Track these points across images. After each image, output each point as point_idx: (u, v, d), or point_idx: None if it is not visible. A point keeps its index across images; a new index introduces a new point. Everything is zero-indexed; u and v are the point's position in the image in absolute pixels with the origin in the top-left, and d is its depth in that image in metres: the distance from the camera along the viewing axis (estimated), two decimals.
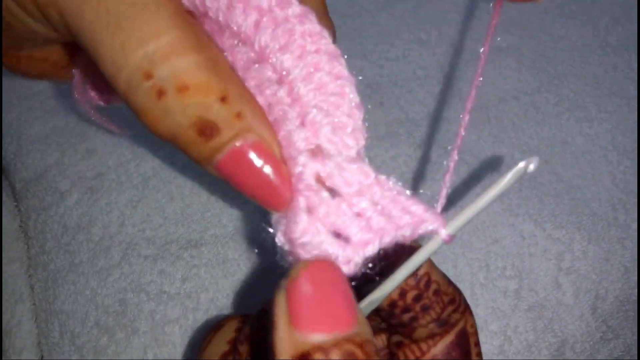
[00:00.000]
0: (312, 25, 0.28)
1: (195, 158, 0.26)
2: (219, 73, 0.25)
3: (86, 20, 0.24)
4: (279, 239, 0.27)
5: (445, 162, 0.60)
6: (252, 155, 0.25)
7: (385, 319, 0.34)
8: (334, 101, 0.27)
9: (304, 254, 0.26)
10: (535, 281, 0.53)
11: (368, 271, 0.26)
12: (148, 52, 0.24)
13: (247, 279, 0.54)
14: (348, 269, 0.25)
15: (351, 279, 0.25)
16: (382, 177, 0.26)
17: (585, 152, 0.61)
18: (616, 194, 0.58)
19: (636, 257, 0.55)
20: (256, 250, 0.55)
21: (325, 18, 0.34)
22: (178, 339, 0.51)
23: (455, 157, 0.30)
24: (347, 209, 0.26)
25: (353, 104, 0.28)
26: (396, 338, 0.34)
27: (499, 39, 0.69)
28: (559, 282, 0.53)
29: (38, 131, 0.63)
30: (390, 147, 0.61)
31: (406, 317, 0.32)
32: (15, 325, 0.53)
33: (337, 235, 0.26)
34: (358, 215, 0.26)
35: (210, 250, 0.55)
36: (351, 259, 0.25)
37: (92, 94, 0.38)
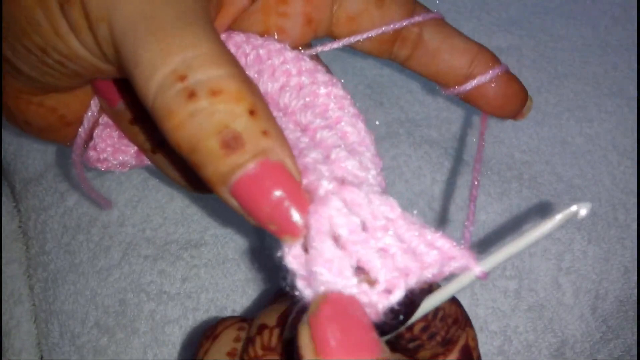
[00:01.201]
0: (337, 89, 0.29)
1: (212, 176, 0.25)
2: (251, 89, 0.25)
3: (133, 29, 0.25)
4: (290, 262, 0.25)
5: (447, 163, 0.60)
6: (273, 177, 0.24)
7: (391, 347, 0.33)
8: (356, 148, 0.27)
9: (319, 284, 0.24)
10: (535, 281, 0.53)
11: (391, 319, 0.25)
12: (186, 57, 0.24)
13: (247, 279, 0.54)
14: (370, 315, 0.24)
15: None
16: (407, 213, 0.25)
17: (585, 152, 0.61)
18: (616, 194, 0.58)
19: (636, 257, 0.55)
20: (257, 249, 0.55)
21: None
22: (178, 339, 0.51)
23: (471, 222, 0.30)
24: (374, 244, 0.24)
25: (373, 154, 0.28)
26: (397, 356, 0.33)
27: (499, 39, 0.69)
28: (559, 282, 0.53)
29: None
30: (390, 147, 0.61)
31: (412, 345, 0.32)
32: (14, 326, 0.53)
33: (360, 270, 0.24)
34: (382, 251, 0.24)
35: (210, 250, 0.55)
36: (375, 305, 0.24)
37: (92, 154, 0.38)
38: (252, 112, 0.24)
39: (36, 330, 0.54)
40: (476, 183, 0.33)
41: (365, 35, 0.36)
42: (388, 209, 0.24)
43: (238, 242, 0.56)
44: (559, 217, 0.23)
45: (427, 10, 0.37)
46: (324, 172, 0.25)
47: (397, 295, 0.24)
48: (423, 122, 0.63)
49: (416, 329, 0.31)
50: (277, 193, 0.24)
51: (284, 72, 0.30)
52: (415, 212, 0.25)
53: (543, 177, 0.59)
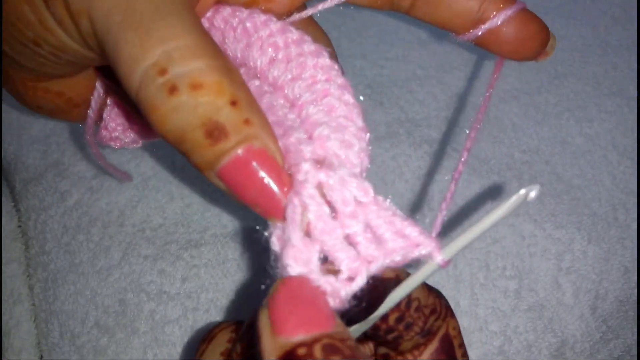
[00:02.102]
0: (324, 59, 0.29)
1: (199, 163, 0.26)
2: (232, 79, 0.26)
3: (113, 22, 0.25)
4: (273, 243, 0.27)
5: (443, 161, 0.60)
6: (257, 162, 0.25)
7: (370, 338, 0.34)
8: (342, 122, 0.28)
9: (288, 271, 0.26)
10: (535, 281, 0.53)
11: (354, 306, 0.26)
12: (166, 49, 0.25)
13: (247, 279, 0.54)
14: (334, 303, 0.25)
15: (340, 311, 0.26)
16: (380, 198, 0.26)
17: (585, 152, 0.61)
18: (616, 194, 0.58)
19: (636, 257, 0.55)
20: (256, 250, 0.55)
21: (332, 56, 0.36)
22: (178, 339, 0.51)
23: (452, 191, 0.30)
24: (340, 232, 0.26)
25: (359, 127, 0.28)
26: (382, 350, 0.34)
27: None
28: (559, 282, 0.53)
29: (38, 131, 0.63)
30: (390, 147, 0.61)
31: (390, 336, 0.32)
32: (14, 326, 0.53)
33: (325, 259, 0.26)
34: (349, 238, 0.26)
35: (210, 250, 0.55)
36: (338, 293, 0.25)
37: (104, 133, 0.39)
38: (233, 103, 0.25)
39: (36, 330, 0.54)
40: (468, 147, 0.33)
41: None
42: (361, 193, 0.25)
43: (238, 242, 0.56)
44: (509, 202, 0.24)
45: None
46: (305, 154, 0.26)
47: (359, 283, 0.25)
48: (423, 122, 0.63)
49: (391, 320, 0.31)
50: (261, 177, 0.25)
51: (271, 44, 0.30)
52: (390, 198, 0.26)
53: (543, 177, 0.59)
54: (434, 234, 0.26)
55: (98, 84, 0.37)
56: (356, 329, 0.28)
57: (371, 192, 0.26)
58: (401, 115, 0.64)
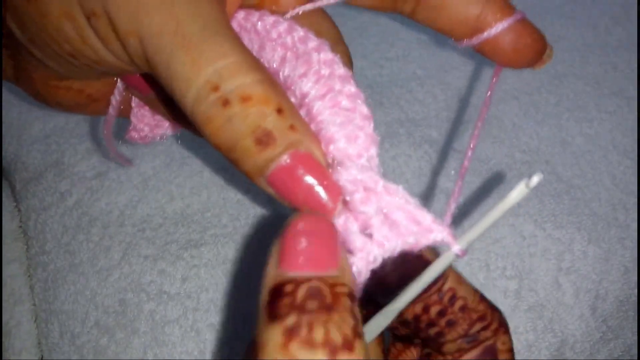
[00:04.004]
0: (326, 54, 0.31)
1: (250, 169, 0.28)
2: (276, 90, 0.28)
3: (163, 42, 0.28)
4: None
5: (446, 165, 0.60)
6: (303, 166, 0.27)
7: (414, 332, 0.34)
8: (346, 115, 0.29)
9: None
10: (535, 281, 0.53)
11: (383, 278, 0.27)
12: (216, 68, 0.27)
13: (247, 279, 0.54)
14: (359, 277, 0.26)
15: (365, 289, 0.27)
16: (391, 185, 0.27)
17: (585, 152, 0.61)
18: (616, 194, 0.58)
19: (636, 257, 0.55)
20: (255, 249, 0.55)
21: (340, 44, 0.37)
22: (178, 339, 0.51)
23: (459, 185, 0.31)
24: (353, 223, 0.27)
25: (363, 115, 0.29)
26: (427, 350, 0.35)
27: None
28: (559, 282, 0.53)
29: (38, 131, 0.63)
30: (390, 147, 0.61)
31: (432, 331, 0.33)
32: (14, 326, 0.53)
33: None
34: (362, 223, 0.27)
35: (210, 250, 0.55)
36: (359, 268, 0.26)
37: (134, 134, 0.41)
38: (279, 111, 0.27)
39: (36, 330, 0.54)
40: (472, 146, 0.33)
41: None
42: (371, 183, 0.27)
43: (238, 242, 0.56)
44: (516, 191, 0.25)
45: None
46: None
47: (373, 263, 0.27)
48: (423, 122, 0.63)
49: (432, 312, 0.32)
50: (308, 180, 0.27)
51: (281, 45, 0.32)
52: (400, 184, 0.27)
53: (543, 177, 0.59)
54: (445, 221, 0.27)
55: (119, 82, 0.38)
56: (382, 319, 0.28)
57: (380, 181, 0.27)
58: (401, 115, 0.64)
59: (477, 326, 0.33)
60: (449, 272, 0.33)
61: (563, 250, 0.55)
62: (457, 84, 0.67)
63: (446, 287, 0.32)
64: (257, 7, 0.34)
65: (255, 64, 0.28)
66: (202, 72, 0.27)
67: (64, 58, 0.31)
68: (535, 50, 0.37)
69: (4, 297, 0.54)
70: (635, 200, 0.58)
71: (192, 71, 0.27)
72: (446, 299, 0.32)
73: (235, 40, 0.28)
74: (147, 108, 0.41)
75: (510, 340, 0.34)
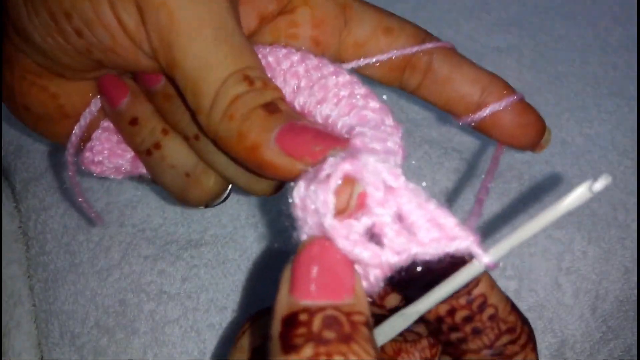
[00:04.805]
0: (344, 76, 0.31)
1: (262, 129, 0.28)
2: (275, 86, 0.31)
3: (198, 31, 0.29)
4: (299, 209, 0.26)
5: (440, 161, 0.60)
6: (308, 122, 0.29)
7: (434, 333, 0.32)
8: (374, 126, 0.28)
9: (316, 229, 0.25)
10: (535, 281, 0.53)
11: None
12: (249, 64, 0.30)
13: (247, 278, 0.54)
14: (372, 278, 0.25)
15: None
16: (412, 184, 0.25)
17: (585, 152, 0.61)
18: (616, 194, 0.58)
19: (636, 257, 0.55)
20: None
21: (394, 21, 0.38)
22: (178, 339, 0.51)
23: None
24: (363, 233, 0.24)
25: (391, 126, 0.29)
26: (445, 358, 0.32)
27: (499, 39, 0.69)
28: (559, 282, 0.53)
29: None
30: None
31: (454, 336, 0.30)
32: (14, 327, 0.53)
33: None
34: (377, 230, 0.24)
35: (210, 250, 0.55)
36: (382, 264, 0.24)
37: (88, 155, 0.39)
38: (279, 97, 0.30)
39: (36, 331, 0.54)
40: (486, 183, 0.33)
41: (373, 60, 0.36)
42: (392, 177, 0.24)
43: (238, 242, 0.56)
44: (572, 196, 0.21)
45: (437, 39, 0.37)
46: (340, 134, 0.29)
47: (380, 277, 0.25)
48: (423, 122, 0.63)
49: (458, 317, 0.30)
50: (316, 127, 0.28)
51: (293, 74, 0.32)
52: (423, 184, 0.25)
53: (543, 177, 0.59)
54: (469, 228, 0.24)
55: (93, 102, 0.37)
56: (393, 325, 0.27)
57: (402, 177, 0.24)
58: (401, 115, 0.64)
59: (505, 338, 0.30)
60: (482, 276, 0.30)
61: (563, 250, 0.55)
62: None
63: (477, 291, 0.30)
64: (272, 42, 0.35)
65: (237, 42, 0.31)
66: (230, 67, 0.29)
67: (56, 21, 0.30)
68: (535, 129, 0.37)
69: (4, 298, 0.54)
70: (635, 200, 0.58)
71: (225, 61, 0.29)
72: (475, 304, 0.30)
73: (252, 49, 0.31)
74: (113, 133, 0.39)
75: (536, 356, 0.31)
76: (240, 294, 0.53)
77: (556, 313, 0.52)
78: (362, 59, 0.36)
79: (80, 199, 0.41)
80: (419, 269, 0.24)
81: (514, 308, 0.31)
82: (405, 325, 0.26)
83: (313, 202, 0.24)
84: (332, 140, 0.27)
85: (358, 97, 0.30)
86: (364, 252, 0.24)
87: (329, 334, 0.22)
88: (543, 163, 0.60)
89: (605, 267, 0.54)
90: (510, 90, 0.37)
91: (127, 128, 0.37)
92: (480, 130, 0.38)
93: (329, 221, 0.24)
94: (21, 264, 0.56)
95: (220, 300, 0.53)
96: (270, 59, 0.33)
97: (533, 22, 0.71)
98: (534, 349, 0.31)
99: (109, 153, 0.39)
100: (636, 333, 0.54)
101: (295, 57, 0.32)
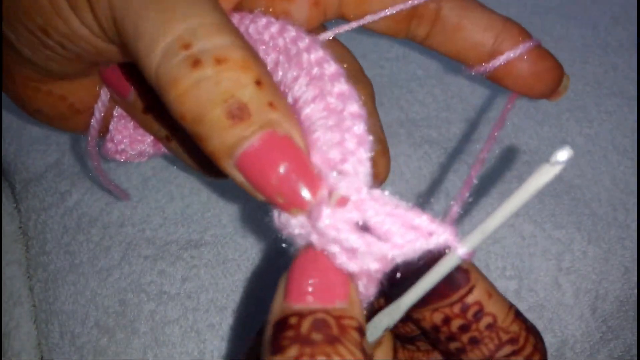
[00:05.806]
0: (317, 52, 0.28)
1: (217, 148, 0.24)
2: (257, 59, 0.25)
3: (133, 3, 0.24)
4: (294, 228, 0.26)
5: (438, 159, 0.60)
6: (280, 150, 0.23)
7: (433, 343, 0.31)
8: (334, 117, 0.26)
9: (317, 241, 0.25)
10: (535, 281, 0.53)
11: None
12: (191, 25, 0.24)
13: (247, 279, 0.54)
14: (365, 283, 0.26)
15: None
16: (377, 191, 0.24)
17: (585, 152, 0.61)
18: (616, 194, 0.58)
19: (636, 257, 0.55)
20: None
21: (362, 78, 0.37)
22: (178, 339, 0.51)
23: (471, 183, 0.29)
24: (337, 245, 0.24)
25: (353, 114, 0.27)
26: (436, 356, 0.32)
27: None
28: (559, 282, 0.53)
29: (38, 131, 0.63)
30: (390, 147, 0.60)
31: (453, 346, 0.29)
32: (14, 327, 0.53)
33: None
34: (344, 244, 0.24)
35: (210, 250, 0.55)
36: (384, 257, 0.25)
37: (110, 145, 0.38)
38: (258, 83, 0.24)
39: (36, 331, 0.54)
40: (481, 157, 0.32)
41: (379, 16, 0.33)
42: (352, 192, 0.24)
43: (238, 242, 0.56)
44: (537, 175, 0.21)
45: None
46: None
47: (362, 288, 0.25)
48: (423, 122, 0.63)
49: (453, 325, 0.29)
50: (285, 165, 0.23)
51: (273, 47, 0.30)
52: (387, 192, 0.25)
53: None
54: (447, 222, 0.24)
55: (103, 92, 0.36)
56: (380, 322, 0.27)
57: (364, 189, 0.24)
58: (401, 116, 0.64)
59: (507, 349, 0.29)
60: (477, 283, 0.29)
61: (563, 250, 0.55)
62: (457, 84, 0.67)
63: (471, 299, 0.28)
64: (265, 12, 0.33)
65: (235, 30, 0.25)
66: (173, 27, 0.23)
67: (36, 36, 0.29)
68: (553, 76, 0.35)
69: (4, 299, 0.54)
70: (635, 200, 0.58)
71: (161, 26, 0.23)
72: (470, 313, 0.28)
73: (216, 3, 0.25)
74: (129, 119, 0.38)
75: None
76: (240, 294, 0.53)
77: (556, 313, 0.52)
78: (367, 17, 0.33)
79: (108, 184, 0.42)
80: (398, 275, 0.25)
81: (517, 317, 0.30)
82: (391, 323, 0.26)
83: (290, 227, 0.26)
84: (294, 197, 0.24)
85: (326, 78, 0.27)
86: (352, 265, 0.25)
87: (316, 336, 0.22)
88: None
89: (605, 267, 0.54)
90: (526, 35, 0.34)
91: (141, 117, 0.36)
92: (494, 79, 0.35)
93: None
94: (21, 264, 0.56)
95: (220, 300, 0.53)
96: (252, 29, 0.31)
97: (533, 22, 0.71)
98: (544, 358, 0.30)
99: (129, 141, 0.39)
100: (636, 333, 0.54)
101: (275, 28, 0.30)
